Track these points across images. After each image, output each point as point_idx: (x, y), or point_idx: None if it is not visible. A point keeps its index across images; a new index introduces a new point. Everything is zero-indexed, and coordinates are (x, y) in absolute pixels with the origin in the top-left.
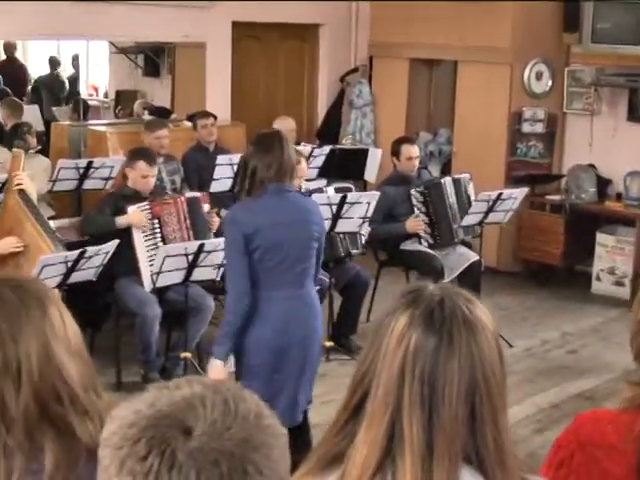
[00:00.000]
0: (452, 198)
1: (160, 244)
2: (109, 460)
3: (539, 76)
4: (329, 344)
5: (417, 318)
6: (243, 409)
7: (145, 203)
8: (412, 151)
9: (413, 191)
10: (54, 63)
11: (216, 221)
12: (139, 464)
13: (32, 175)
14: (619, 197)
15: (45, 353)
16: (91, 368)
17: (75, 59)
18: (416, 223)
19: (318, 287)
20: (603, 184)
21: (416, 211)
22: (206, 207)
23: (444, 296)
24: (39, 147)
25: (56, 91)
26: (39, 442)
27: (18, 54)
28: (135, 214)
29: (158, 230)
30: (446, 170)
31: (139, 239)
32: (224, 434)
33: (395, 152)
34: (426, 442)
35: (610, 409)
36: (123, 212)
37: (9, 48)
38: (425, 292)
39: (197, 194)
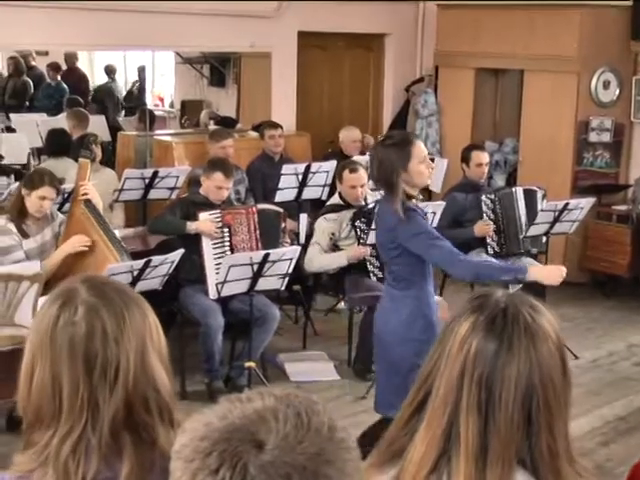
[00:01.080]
0: (522, 209)
1: (228, 253)
2: (181, 472)
3: (606, 85)
4: None
5: (480, 323)
6: (316, 422)
7: (217, 211)
8: (482, 157)
9: (484, 197)
10: (109, 72)
11: (288, 242)
12: (211, 477)
13: (98, 187)
14: None
15: (141, 359)
16: (172, 378)
17: (141, 70)
18: (486, 226)
19: None
20: None
21: (485, 217)
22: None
23: (509, 303)
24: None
25: (113, 100)
26: (119, 448)
27: (84, 65)
28: (205, 222)
29: (227, 239)
30: (511, 180)
31: (208, 247)
32: (296, 448)
33: (465, 159)
34: (481, 445)
35: None
36: (193, 218)
37: (70, 58)
38: (491, 298)
39: (279, 209)
